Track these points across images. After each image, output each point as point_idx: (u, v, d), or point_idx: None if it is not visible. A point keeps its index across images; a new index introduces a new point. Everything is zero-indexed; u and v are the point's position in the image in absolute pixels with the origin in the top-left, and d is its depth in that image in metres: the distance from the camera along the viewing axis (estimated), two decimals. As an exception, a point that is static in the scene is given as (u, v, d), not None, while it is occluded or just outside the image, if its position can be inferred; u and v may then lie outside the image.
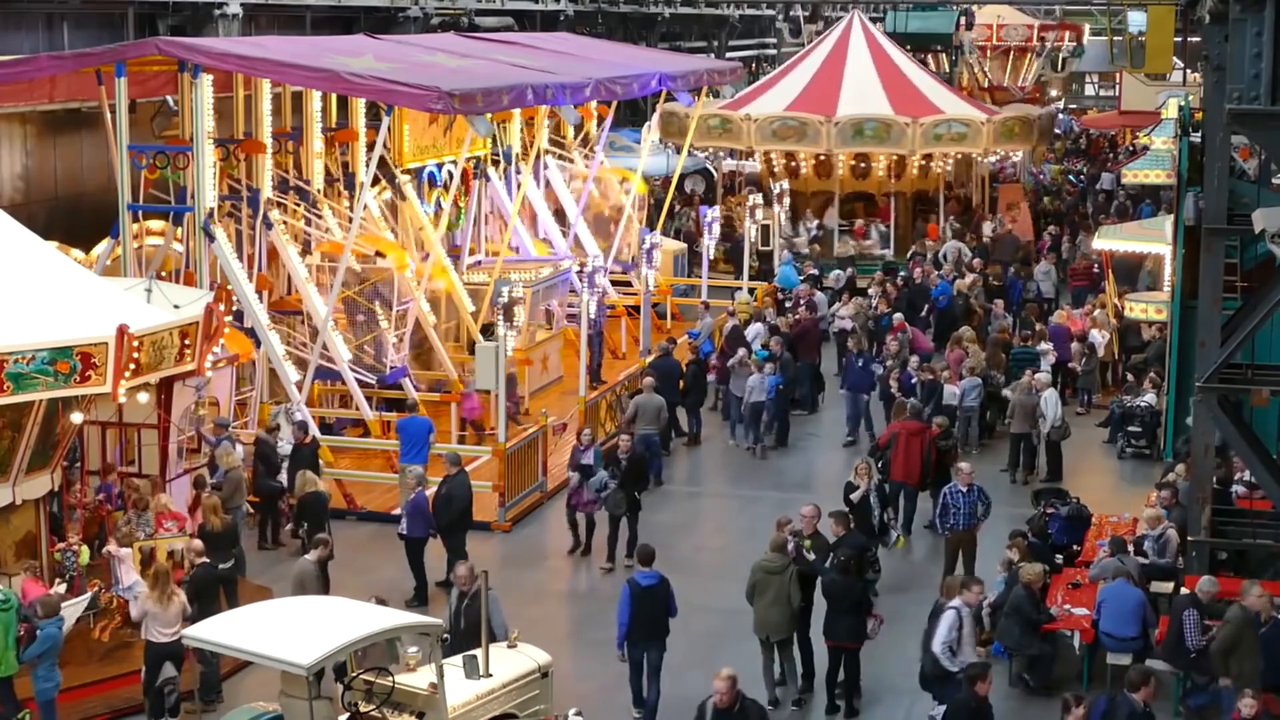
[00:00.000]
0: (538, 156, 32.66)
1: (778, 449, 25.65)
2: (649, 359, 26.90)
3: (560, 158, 34.11)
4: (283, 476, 21.25)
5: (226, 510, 19.17)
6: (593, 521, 20.81)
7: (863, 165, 39.10)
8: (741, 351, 26.21)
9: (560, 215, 33.69)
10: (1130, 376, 27.51)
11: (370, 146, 25.02)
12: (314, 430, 22.57)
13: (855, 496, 19.40)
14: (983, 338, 28.44)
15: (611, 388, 26.44)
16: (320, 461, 21.53)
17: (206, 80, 22.85)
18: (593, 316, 26.35)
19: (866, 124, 37.50)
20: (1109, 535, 18.90)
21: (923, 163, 39.13)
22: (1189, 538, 17.79)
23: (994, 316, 30.65)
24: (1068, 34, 66.44)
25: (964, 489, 19.29)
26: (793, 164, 39.45)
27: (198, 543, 17.06)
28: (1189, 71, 53.07)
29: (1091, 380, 27.94)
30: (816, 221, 39.20)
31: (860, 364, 26.04)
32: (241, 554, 19.84)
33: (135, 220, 23.47)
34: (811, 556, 16.91)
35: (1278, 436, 19.21)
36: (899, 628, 17.73)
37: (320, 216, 25.67)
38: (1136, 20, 58.80)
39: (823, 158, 38.64)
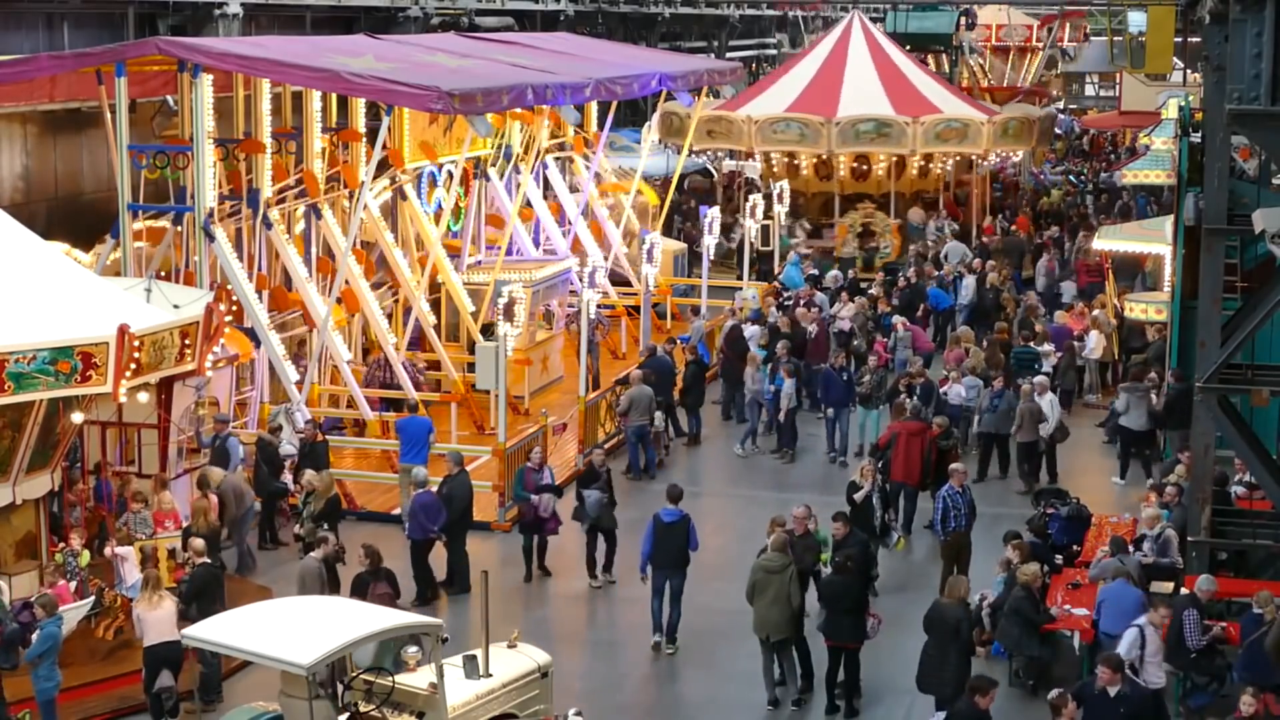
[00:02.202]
0: (538, 156, 32.66)
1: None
2: (644, 358, 26.88)
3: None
4: (286, 476, 21.26)
5: (229, 518, 19.27)
6: (544, 544, 20.26)
7: (863, 167, 39.22)
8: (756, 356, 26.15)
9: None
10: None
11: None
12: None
13: (859, 497, 19.40)
14: (981, 338, 28.47)
15: (611, 388, 26.41)
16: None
17: (206, 80, 22.86)
18: (592, 317, 26.27)
19: (864, 124, 37.57)
20: (1109, 535, 18.89)
21: (922, 163, 39.26)
22: (1189, 538, 17.78)
23: (1026, 308, 30.82)
24: (1069, 25, 66.57)
25: (960, 490, 19.24)
26: (794, 163, 39.53)
27: (199, 542, 17.08)
28: (1189, 71, 53.06)
29: (1071, 381, 27.81)
30: (949, 218, 39.83)
31: (845, 379, 24.95)
32: (249, 555, 19.92)
33: (135, 220, 23.50)
34: (828, 569, 16.87)
35: (1278, 436, 19.22)
36: (899, 628, 17.74)
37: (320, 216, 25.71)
38: (1136, 20, 58.72)
39: (823, 158, 38.74)
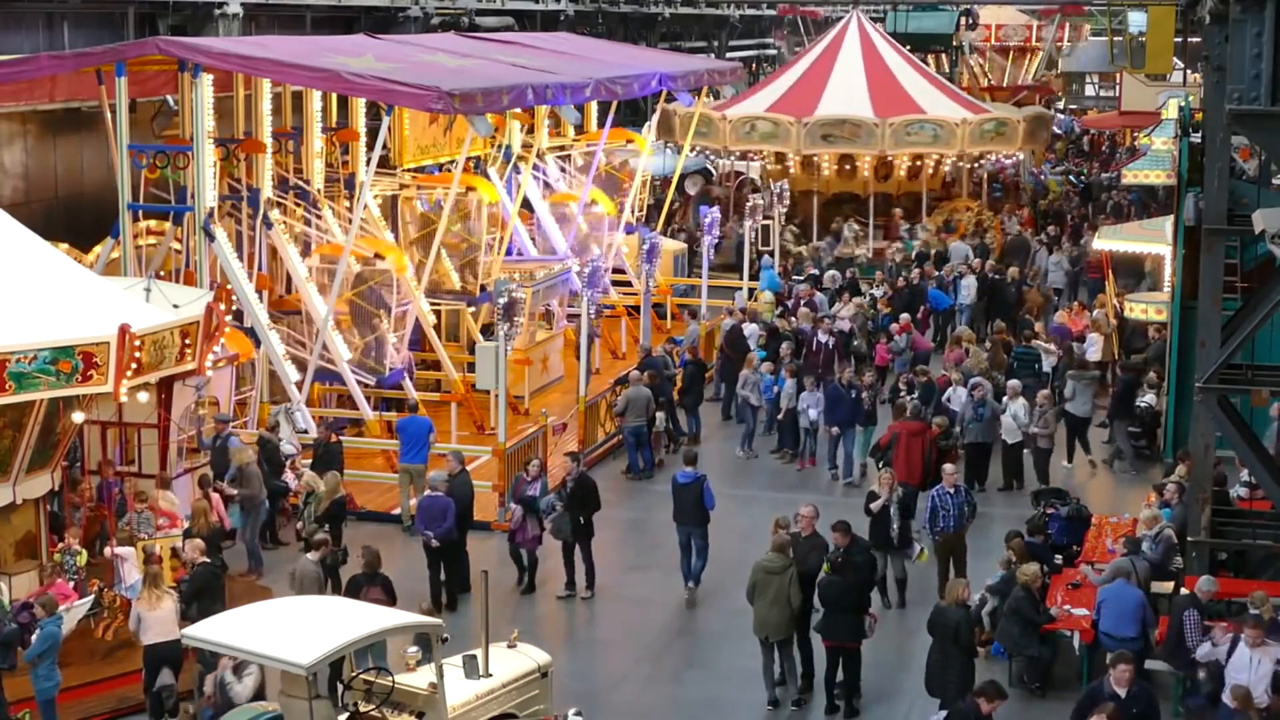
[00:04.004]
0: (539, 156, 32.69)
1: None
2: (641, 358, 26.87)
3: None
4: (288, 476, 21.26)
5: (247, 507, 19.44)
6: (535, 558, 19.80)
7: (848, 166, 39.32)
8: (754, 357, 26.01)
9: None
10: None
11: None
12: (312, 429, 22.64)
13: (875, 506, 19.21)
14: (982, 337, 28.46)
15: (611, 387, 26.41)
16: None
17: (206, 80, 22.88)
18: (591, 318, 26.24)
19: (988, 124, 38.83)
20: (1109, 535, 18.89)
21: (913, 164, 39.47)
22: (1189, 538, 17.78)
23: (1033, 301, 31.34)
24: (1068, 26, 66.70)
25: (951, 490, 19.10)
26: (783, 164, 39.60)
27: (199, 541, 17.06)
28: (1189, 72, 53.09)
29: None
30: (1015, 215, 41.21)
31: (853, 396, 23.93)
32: (258, 554, 20.04)
33: (135, 220, 23.50)
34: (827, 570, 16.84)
35: (1278, 436, 19.21)
36: (900, 630, 17.76)
37: (320, 216, 25.67)
38: (1136, 20, 58.78)
39: (797, 159, 38.98)
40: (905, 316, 29.36)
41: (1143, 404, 25.48)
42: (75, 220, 26.69)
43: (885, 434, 22.17)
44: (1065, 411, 24.55)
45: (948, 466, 19.74)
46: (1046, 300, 32.47)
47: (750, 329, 28.32)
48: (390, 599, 16.39)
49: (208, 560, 16.82)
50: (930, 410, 23.53)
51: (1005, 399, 23.53)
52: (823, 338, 27.39)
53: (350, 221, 24.83)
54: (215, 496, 19.25)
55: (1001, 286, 32.47)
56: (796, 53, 52.68)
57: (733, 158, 41.45)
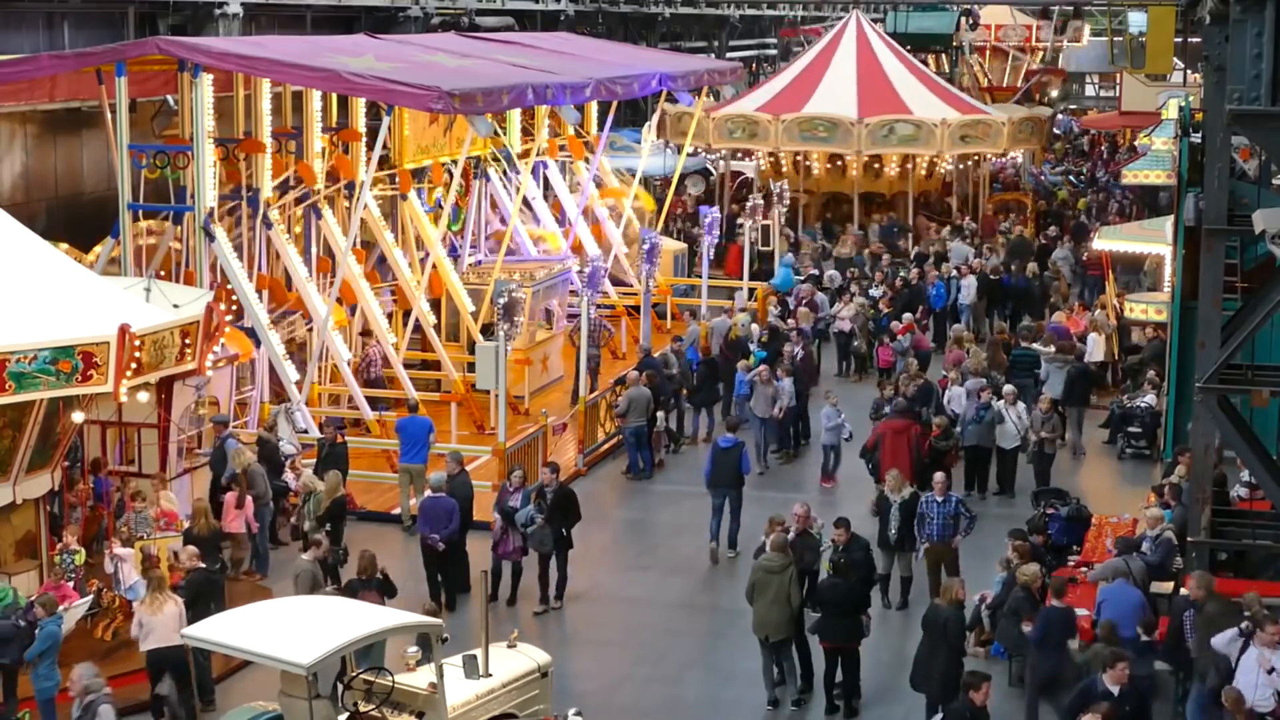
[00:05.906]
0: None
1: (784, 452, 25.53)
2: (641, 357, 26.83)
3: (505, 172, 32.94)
4: (288, 475, 21.25)
5: (255, 507, 19.46)
6: (519, 568, 19.37)
7: (876, 166, 39.44)
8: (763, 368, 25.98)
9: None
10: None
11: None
12: (312, 429, 22.63)
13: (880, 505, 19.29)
14: (981, 338, 28.48)
15: (611, 388, 26.40)
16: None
17: (206, 80, 22.87)
18: (592, 319, 26.14)
19: (897, 125, 38.48)
20: (1109, 535, 18.87)
21: (929, 165, 39.51)
22: (1189, 538, 17.76)
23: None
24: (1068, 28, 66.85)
25: (939, 499, 18.78)
26: (806, 164, 39.61)
27: (193, 548, 17.00)
28: (1189, 72, 53.09)
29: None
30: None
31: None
32: (265, 553, 20.02)
33: (135, 220, 23.50)
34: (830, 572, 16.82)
35: (1278, 436, 19.19)
36: (900, 631, 17.74)
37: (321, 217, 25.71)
38: (1136, 21, 58.78)
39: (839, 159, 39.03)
40: (908, 316, 29.31)
41: (1143, 404, 25.50)
42: (75, 220, 26.68)
43: (871, 435, 22.08)
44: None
45: (938, 475, 19.40)
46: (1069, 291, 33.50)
47: (752, 329, 28.26)
48: (382, 603, 16.33)
49: (202, 566, 16.76)
50: (930, 411, 23.51)
51: (1003, 403, 23.22)
52: (796, 350, 26.76)
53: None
54: (249, 502, 19.26)
55: (1024, 284, 32.81)
56: (796, 53, 52.73)
57: (727, 156, 41.50)
